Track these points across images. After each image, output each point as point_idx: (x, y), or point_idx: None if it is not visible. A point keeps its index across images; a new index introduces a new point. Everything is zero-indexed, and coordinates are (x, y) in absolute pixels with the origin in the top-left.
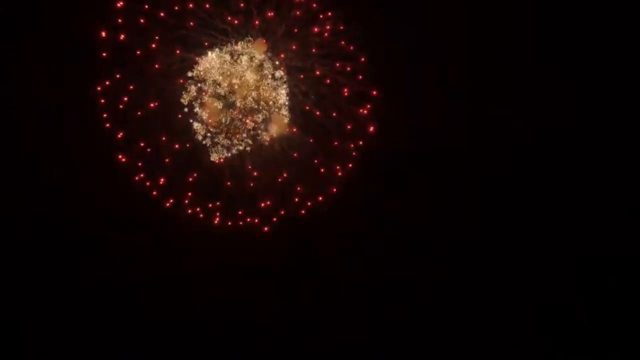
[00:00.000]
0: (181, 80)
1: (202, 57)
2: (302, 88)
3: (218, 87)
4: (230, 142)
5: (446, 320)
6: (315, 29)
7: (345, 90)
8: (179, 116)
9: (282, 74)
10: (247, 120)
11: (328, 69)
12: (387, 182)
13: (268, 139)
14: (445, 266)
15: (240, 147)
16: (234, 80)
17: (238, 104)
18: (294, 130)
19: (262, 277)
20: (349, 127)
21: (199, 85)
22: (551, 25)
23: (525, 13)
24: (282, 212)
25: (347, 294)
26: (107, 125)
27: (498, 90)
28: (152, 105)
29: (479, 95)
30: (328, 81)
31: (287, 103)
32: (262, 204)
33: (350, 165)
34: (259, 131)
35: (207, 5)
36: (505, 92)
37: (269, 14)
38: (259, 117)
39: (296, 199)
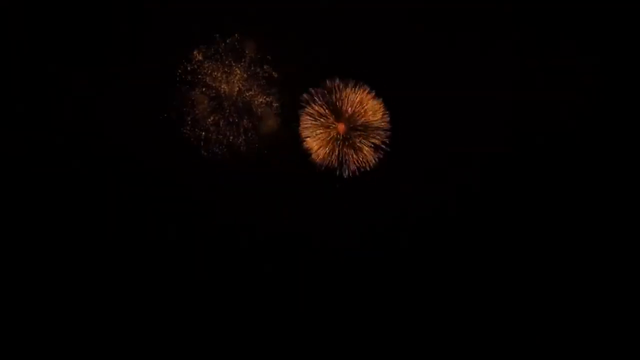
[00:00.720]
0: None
1: (191, 56)
2: (294, 87)
3: (206, 88)
4: (222, 140)
5: None
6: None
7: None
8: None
9: (274, 73)
10: (235, 120)
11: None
12: (383, 183)
13: (259, 138)
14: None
15: (240, 145)
16: (223, 85)
17: (225, 104)
18: (285, 130)
19: None
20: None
21: (188, 85)
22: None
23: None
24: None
25: None
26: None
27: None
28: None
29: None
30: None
31: (276, 103)
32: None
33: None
34: (250, 131)
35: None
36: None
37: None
38: (251, 117)
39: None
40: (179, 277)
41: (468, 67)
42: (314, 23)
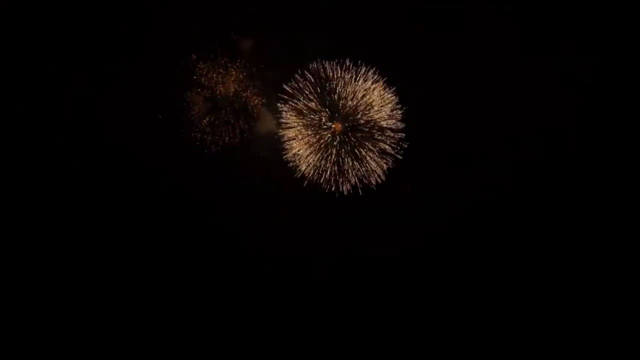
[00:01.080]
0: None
1: (188, 56)
2: (291, 87)
3: (201, 88)
4: (218, 141)
5: None
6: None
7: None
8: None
9: (270, 74)
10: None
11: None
12: (382, 183)
13: (254, 138)
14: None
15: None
16: (219, 85)
17: (221, 105)
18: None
19: None
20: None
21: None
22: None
23: None
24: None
25: None
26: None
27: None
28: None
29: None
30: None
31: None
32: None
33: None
34: (246, 132)
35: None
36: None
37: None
38: (247, 118)
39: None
40: (178, 278)
41: (468, 67)
42: (314, 23)
